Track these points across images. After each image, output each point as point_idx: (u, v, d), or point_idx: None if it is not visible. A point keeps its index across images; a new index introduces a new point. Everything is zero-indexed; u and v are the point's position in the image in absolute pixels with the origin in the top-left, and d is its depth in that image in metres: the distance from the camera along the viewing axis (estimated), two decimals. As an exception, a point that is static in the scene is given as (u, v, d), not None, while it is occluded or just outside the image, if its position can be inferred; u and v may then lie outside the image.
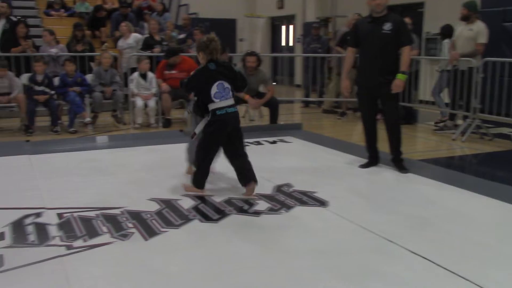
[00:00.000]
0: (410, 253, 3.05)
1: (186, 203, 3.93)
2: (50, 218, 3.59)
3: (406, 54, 4.84)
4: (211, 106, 4.05)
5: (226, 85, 4.10)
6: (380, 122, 5.22)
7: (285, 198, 4.08)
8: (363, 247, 3.16)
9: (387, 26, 4.79)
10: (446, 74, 7.81)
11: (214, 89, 4.04)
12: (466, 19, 7.08)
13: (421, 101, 8.97)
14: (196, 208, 3.83)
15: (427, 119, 8.56)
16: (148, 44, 8.69)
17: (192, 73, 4.21)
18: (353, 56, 5.21)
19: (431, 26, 10.50)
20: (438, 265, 2.89)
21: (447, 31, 8.04)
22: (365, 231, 3.40)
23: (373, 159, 5.18)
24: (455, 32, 7.39)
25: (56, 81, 7.49)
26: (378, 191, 4.45)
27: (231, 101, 4.12)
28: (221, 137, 4.13)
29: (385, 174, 4.93)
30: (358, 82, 5.18)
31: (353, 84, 5.76)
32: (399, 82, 4.79)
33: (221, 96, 4.06)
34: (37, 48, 8.27)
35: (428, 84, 8.57)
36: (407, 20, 7.85)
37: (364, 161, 5.22)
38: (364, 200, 4.12)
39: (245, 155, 4.21)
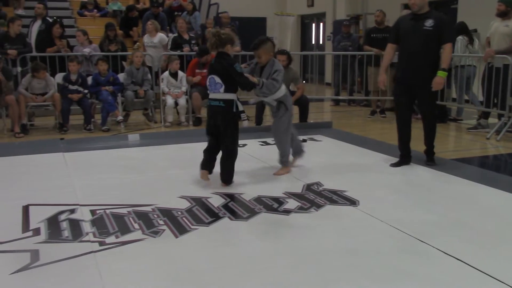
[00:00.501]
0: (443, 254, 3.00)
1: (216, 201, 3.95)
2: (83, 215, 3.67)
3: (448, 51, 4.83)
4: None
5: (218, 80, 4.25)
6: (414, 121, 5.16)
7: (315, 197, 4.06)
8: (395, 247, 3.12)
9: (429, 23, 4.78)
10: (457, 70, 7.86)
11: (207, 82, 4.35)
12: (503, 15, 6.93)
13: (454, 99, 8.79)
14: (226, 206, 3.85)
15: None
16: (176, 43, 8.77)
17: None
18: (393, 52, 5.18)
19: (465, 22, 10.27)
20: (471, 266, 2.83)
21: (460, 27, 7.93)
22: (397, 231, 3.35)
23: (405, 158, 5.12)
24: (490, 29, 7.24)
25: (89, 80, 7.63)
26: (409, 190, 4.38)
27: (216, 95, 4.28)
28: (208, 127, 4.40)
29: (417, 173, 4.86)
30: (397, 78, 5.17)
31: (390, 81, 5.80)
32: (439, 79, 4.77)
33: (210, 89, 4.32)
34: (71, 48, 8.43)
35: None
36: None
37: (395, 160, 5.16)
38: (395, 200, 4.07)
39: (222, 155, 4.39)
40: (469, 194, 4.22)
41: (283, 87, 4.63)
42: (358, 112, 9.42)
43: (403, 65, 5.05)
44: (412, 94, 5.01)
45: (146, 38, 8.88)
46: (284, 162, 4.80)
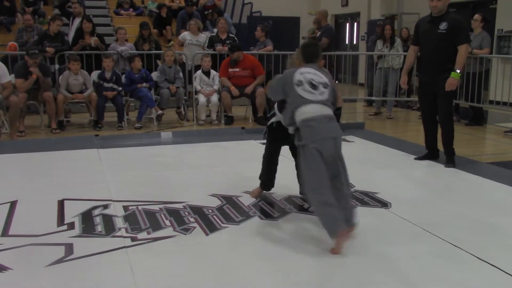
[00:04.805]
0: (477, 260, 2.93)
1: (247, 200, 3.96)
2: (116, 210, 3.73)
3: (462, 53, 4.89)
4: None
5: None
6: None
7: (346, 198, 4.02)
8: (427, 251, 3.07)
9: (443, 26, 4.89)
10: None
11: None
12: None
13: (491, 102, 8.59)
14: (256, 205, 3.85)
15: (497, 120, 8.20)
16: (212, 42, 8.81)
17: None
18: (415, 54, 5.33)
19: (503, 23, 10.03)
20: (507, 273, 2.76)
21: None
22: (429, 235, 3.29)
23: (430, 153, 5.24)
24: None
25: (122, 78, 7.74)
26: (443, 194, 4.30)
27: None
28: None
29: (451, 177, 4.76)
30: (418, 80, 5.33)
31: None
32: (452, 80, 4.86)
33: None
34: (106, 46, 8.55)
35: (500, 83, 8.19)
36: (477, 17, 7.57)
37: (428, 162, 5.10)
38: (428, 203, 4.00)
39: None
40: (505, 199, 4.11)
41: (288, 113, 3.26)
42: (394, 113, 9.24)
43: (422, 67, 5.22)
44: (432, 94, 5.08)
45: (188, 36, 8.93)
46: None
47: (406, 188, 4.37)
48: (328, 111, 3.15)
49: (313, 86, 3.14)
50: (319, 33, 9.33)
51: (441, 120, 5.07)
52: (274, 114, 3.71)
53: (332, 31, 9.46)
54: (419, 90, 5.39)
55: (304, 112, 3.10)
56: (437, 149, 5.24)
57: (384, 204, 3.89)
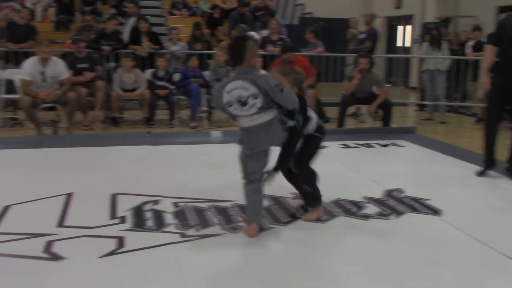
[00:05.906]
0: (533, 273, 2.83)
1: (295, 202, 3.96)
2: (166, 206, 3.80)
3: None
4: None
5: None
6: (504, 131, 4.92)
7: (396, 204, 3.96)
8: (480, 262, 2.98)
9: None
10: None
11: None
12: None
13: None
14: (303, 207, 3.84)
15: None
16: (263, 43, 8.85)
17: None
18: (494, 54, 4.84)
19: None
20: None
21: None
22: (483, 246, 3.20)
23: (489, 163, 4.87)
24: None
25: (177, 76, 7.91)
26: (498, 203, 4.16)
27: None
28: None
29: (507, 187, 4.60)
30: (494, 83, 4.81)
31: None
32: None
33: None
34: (161, 45, 8.73)
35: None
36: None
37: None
38: (481, 212, 3.88)
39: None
40: None
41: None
42: (447, 118, 9.01)
43: (504, 70, 4.72)
44: (507, 101, 4.76)
45: None
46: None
47: (459, 196, 4.25)
48: (262, 118, 3.20)
49: (243, 104, 3.15)
50: (363, 36, 9.28)
51: None
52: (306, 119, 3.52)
53: (377, 34, 9.32)
54: (493, 94, 4.86)
55: (241, 122, 3.31)
56: (495, 163, 4.89)
57: (435, 211, 3.80)
